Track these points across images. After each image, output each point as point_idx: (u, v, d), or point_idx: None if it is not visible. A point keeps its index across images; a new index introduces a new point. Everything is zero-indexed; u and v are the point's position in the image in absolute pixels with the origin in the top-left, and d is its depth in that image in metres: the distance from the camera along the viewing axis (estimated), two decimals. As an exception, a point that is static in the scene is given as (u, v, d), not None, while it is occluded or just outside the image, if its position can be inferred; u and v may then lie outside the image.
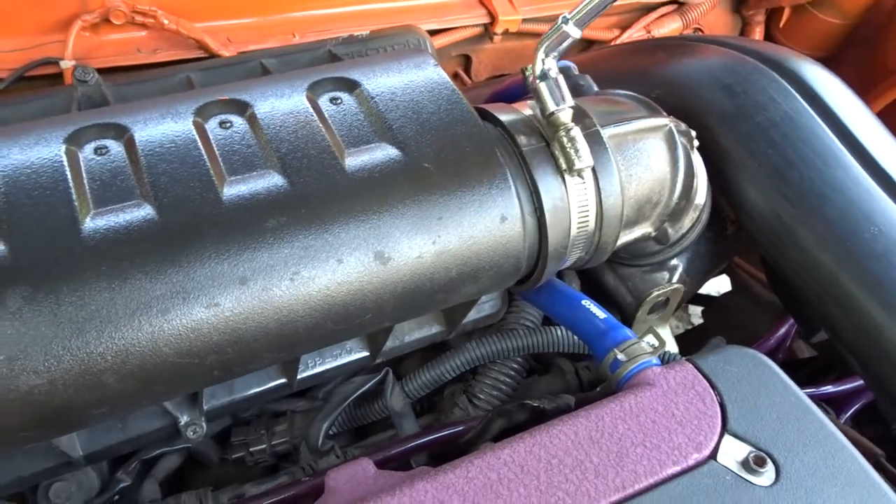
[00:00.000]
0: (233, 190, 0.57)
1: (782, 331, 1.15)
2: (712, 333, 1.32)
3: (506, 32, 1.20)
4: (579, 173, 0.62)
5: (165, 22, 0.93)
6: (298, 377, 0.72)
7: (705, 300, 1.52)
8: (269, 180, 0.58)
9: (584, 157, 0.61)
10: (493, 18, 1.18)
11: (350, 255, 0.57)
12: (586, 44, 1.37)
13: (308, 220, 0.56)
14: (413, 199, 0.59)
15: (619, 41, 1.35)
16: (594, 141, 0.64)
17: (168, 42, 0.95)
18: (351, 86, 0.67)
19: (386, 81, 0.67)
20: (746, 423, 0.61)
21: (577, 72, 0.82)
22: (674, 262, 0.89)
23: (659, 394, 0.63)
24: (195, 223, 0.54)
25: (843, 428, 0.90)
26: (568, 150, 0.61)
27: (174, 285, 0.52)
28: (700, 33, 1.53)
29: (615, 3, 1.35)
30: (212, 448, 0.78)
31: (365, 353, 0.75)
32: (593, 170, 0.63)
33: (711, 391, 0.63)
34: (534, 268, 0.68)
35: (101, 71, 0.90)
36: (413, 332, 0.76)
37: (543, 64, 0.61)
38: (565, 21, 0.58)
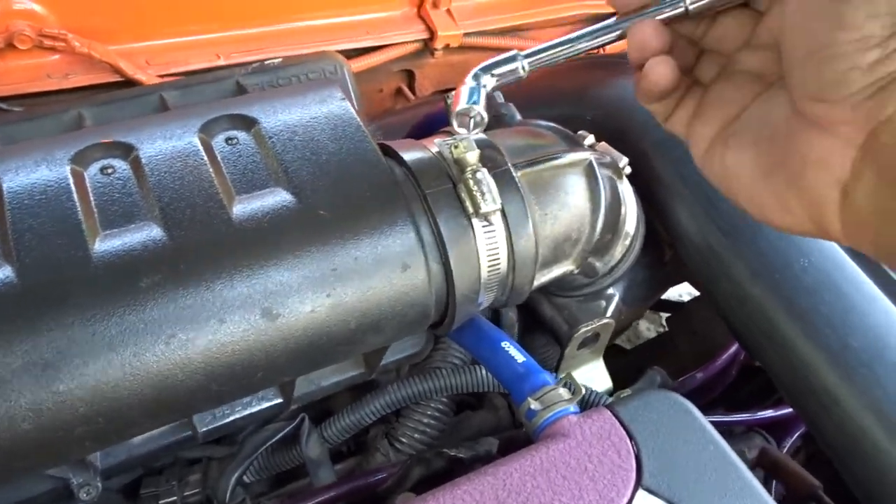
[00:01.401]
0: (105, 246, 0.53)
1: (733, 349, 1.13)
2: (676, 340, 1.30)
3: (447, 47, 1.17)
4: (486, 217, 0.59)
5: (77, 45, 0.89)
6: (205, 429, 0.68)
7: (671, 306, 1.50)
8: (147, 234, 0.54)
9: (490, 200, 0.58)
10: (433, 34, 1.14)
11: (233, 313, 0.53)
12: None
13: (186, 278, 0.52)
14: (305, 250, 0.55)
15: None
16: (504, 181, 0.61)
17: (81, 66, 0.91)
18: (248, 124, 0.63)
19: (286, 118, 0.64)
20: (662, 477, 0.59)
21: (501, 99, 0.79)
22: (610, 290, 0.86)
23: (573, 445, 0.60)
24: (58, 285, 0.50)
25: (781, 458, 0.88)
26: (474, 192, 0.58)
27: (32, 355, 0.48)
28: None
29: (567, 15, 1.32)
30: (118, 503, 0.74)
31: (278, 400, 0.71)
32: (503, 211, 0.60)
33: (628, 441, 0.61)
34: (445, 312, 0.64)
35: (10, 98, 0.85)
36: (330, 377, 0.73)
37: (469, 84, 0.54)
38: (516, 58, 0.52)
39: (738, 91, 0.47)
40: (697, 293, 1.43)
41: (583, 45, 0.51)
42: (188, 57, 0.96)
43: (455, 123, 0.52)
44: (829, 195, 0.40)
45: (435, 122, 0.87)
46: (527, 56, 0.52)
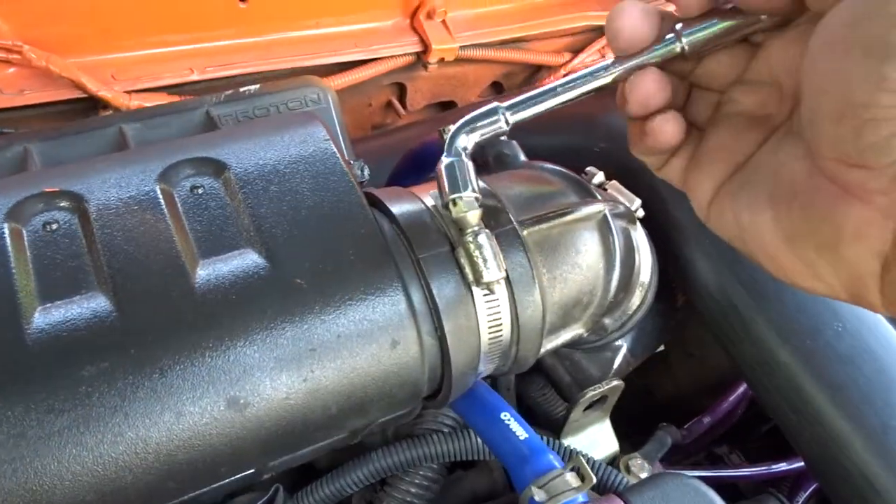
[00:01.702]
0: (44, 321, 0.45)
1: (741, 389, 1.07)
2: (672, 361, 1.23)
3: (441, 62, 1.08)
4: (488, 286, 0.51)
5: (33, 58, 0.80)
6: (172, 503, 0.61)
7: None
8: (94, 307, 0.46)
9: (493, 268, 0.50)
10: (427, 47, 1.06)
11: (194, 405, 0.45)
12: (535, 68, 1.25)
13: (138, 364, 0.44)
14: (278, 327, 0.48)
15: (570, 66, 1.24)
16: (509, 242, 0.53)
17: (38, 81, 0.82)
18: (218, 169, 0.55)
19: (261, 162, 0.56)
20: (683, 583, 0.52)
21: (504, 137, 0.71)
22: (618, 342, 0.79)
23: (583, 543, 0.53)
24: (-16, 374, 0.42)
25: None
26: (475, 259, 0.50)
27: (-53, 464, 0.40)
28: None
29: (567, 27, 1.24)
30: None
31: (250, 471, 0.63)
32: (508, 278, 0.53)
33: (644, 538, 0.54)
34: (439, 386, 0.57)
35: (-43, 116, 0.77)
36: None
37: (464, 142, 0.49)
38: (497, 112, 0.47)
39: (738, 137, 0.42)
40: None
41: (570, 94, 0.46)
42: (158, 70, 0.87)
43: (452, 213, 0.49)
44: (868, 267, 0.35)
45: (430, 153, 0.79)
46: (509, 108, 0.47)
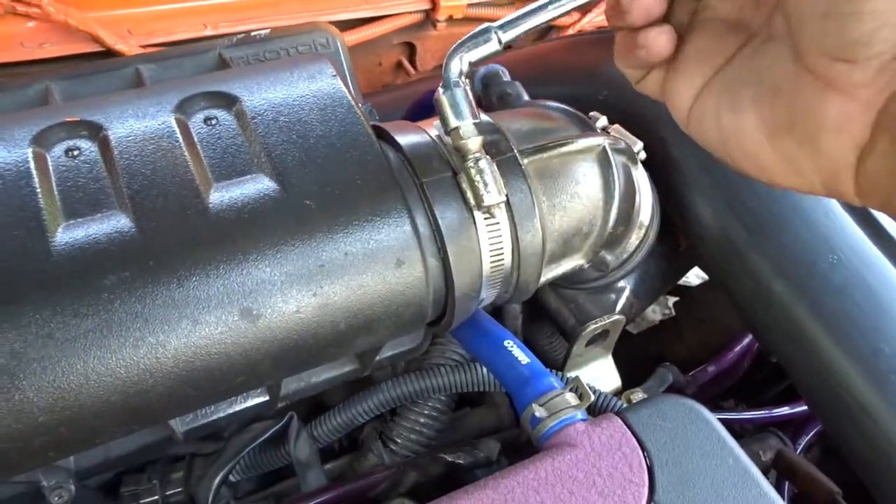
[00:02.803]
0: (67, 237, 0.48)
1: (746, 341, 1.09)
2: (683, 328, 1.25)
3: (450, 19, 1.10)
4: (489, 210, 0.53)
5: (52, 11, 0.83)
6: (186, 428, 0.64)
7: (677, 290, 1.46)
8: (115, 224, 0.49)
9: (493, 192, 0.52)
10: (435, 4, 1.07)
11: (209, 314, 0.48)
12: (544, 29, 1.26)
13: (156, 275, 0.47)
14: (288, 244, 0.50)
15: (578, 26, 1.25)
16: (510, 169, 0.55)
17: (57, 35, 0.85)
18: (229, 102, 0.57)
19: (271, 96, 0.58)
20: (677, 492, 0.54)
21: (507, 77, 0.73)
22: (621, 283, 0.81)
23: (580, 457, 0.56)
24: (14, 281, 0.45)
25: (798, 461, 0.84)
26: (476, 183, 0.53)
27: (-19, 361, 0.43)
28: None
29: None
30: (96, 502, 0.70)
31: (264, 398, 0.66)
32: (508, 203, 0.55)
33: (640, 452, 0.56)
34: (443, 310, 0.59)
35: (-20, 68, 0.80)
36: (320, 373, 0.68)
37: (458, 68, 0.51)
38: (489, 31, 0.49)
39: (717, 42, 0.43)
40: (706, 277, 1.39)
41: (559, 10, 0.47)
42: (173, 26, 0.90)
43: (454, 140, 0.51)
44: (845, 159, 0.37)
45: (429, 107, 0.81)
46: (500, 27, 0.49)
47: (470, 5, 1.10)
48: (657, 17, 0.43)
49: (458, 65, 0.50)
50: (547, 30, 1.26)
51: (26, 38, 0.83)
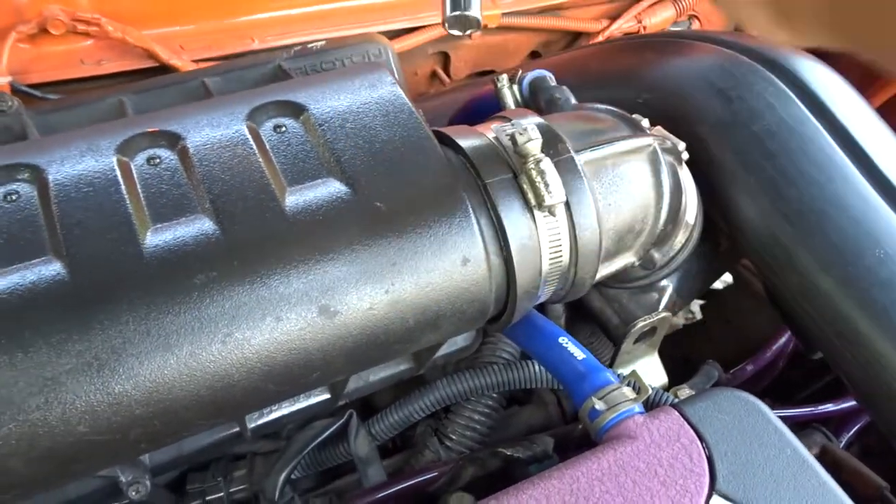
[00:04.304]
0: (157, 239, 0.51)
1: (782, 340, 1.10)
2: (710, 330, 1.26)
3: (485, 28, 1.13)
4: (550, 210, 0.56)
5: (110, 30, 0.86)
6: (253, 425, 0.66)
7: (705, 293, 1.46)
8: (199, 227, 0.52)
9: (555, 192, 0.54)
10: (471, 14, 1.10)
11: (290, 311, 0.50)
12: (573, 36, 1.29)
13: (241, 274, 0.50)
14: (362, 244, 0.53)
15: (607, 32, 1.27)
16: (567, 169, 0.58)
17: (114, 52, 0.88)
18: (296, 111, 0.60)
19: (336, 104, 0.61)
20: (737, 482, 0.56)
21: (553, 82, 0.75)
22: (663, 282, 0.83)
23: (641, 448, 0.57)
24: (110, 282, 0.48)
25: (844, 456, 0.85)
26: (537, 184, 0.55)
27: (85, 356, 0.46)
28: (695, 20, 1.45)
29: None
30: (166, 499, 0.73)
31: (326, 396, 0.69)
32: (567, 203, 0.57)
33: (699, 443, 0.58)
34: (503, 308, 0.61)
35: (43, 85, 0.83)
36: (378, 372, 0.70)
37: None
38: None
39: None
40: (730, 281, 1.40)
41: None
42: (223, 41, 0.93)
43: (448, 27, 0.51)
44: None
45: (482, 107, 0.83)
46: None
47: (504, 14, 1.12)
48: None
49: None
50: (576, 37, 1.29)
51: (86, 55, 0.87)
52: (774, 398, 1.15)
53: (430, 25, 1.10)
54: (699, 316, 1.43)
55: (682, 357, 1.28)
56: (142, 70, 0.89)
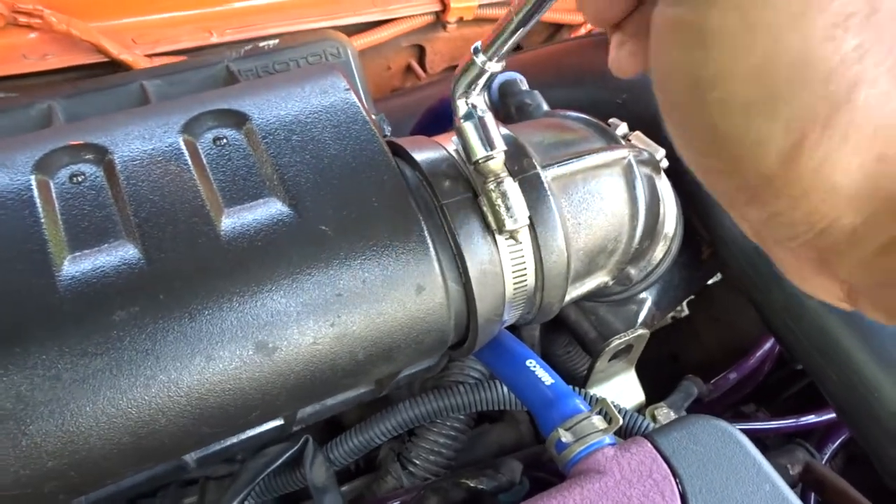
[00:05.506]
0: (74, 270, 0.46)
1: (767, 346, 1.06)
2: (697, 326, 1.22)
3: (460, 20, 1.07)
4: (512, 234, 0.51)
5: (54, 21, 0.80)
6: (200, 455, 0.62)
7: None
8: (122, 255, 0.47)
9: (517, 216, 0.50)
10: (445, 6, 1.04)
11: (223, 349, 0.46)
12: (554, 28, 1.23)
13: (167, 309, 0.45)
14: (304, 273, 0.48)
15: (589, 24, 1.21)
16: (532, 186, 0.53)
17: (60, 46, 0.82)
18: (239, 121, 0.55)
19: (282, 113, 0.56)
20: (712, 523, 0.52)
21: (525, 86, 0.70)
22: (642, 294, 0.78)
23: (610, 485, 0.53)
24: (18, 319, 0.43)
25: (828, 475, 0.81)
26: (497, 207, 0.50)
27: (-13, 406, 0.41)
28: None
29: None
30: (109, 530, 0.69)
31: (279, 422, 0.64)
32: (531, 224, 0.52)
33: (672, 480, 0.54)
34: (465, 333, 0.57)
35: (-18, 82, 0.78)
36: (337, 395, 0.66)
37: (466, 105, 0.49)
38: (476, 52, 0.46)
39: None
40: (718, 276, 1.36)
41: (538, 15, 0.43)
42: (178, 34, 0.87)
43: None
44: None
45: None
46: (487, 54, 0.46)
47: (481, 6, 1.07)
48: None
49: (465, 106, 0.48)
50: (557, 30, 1.23)
51: (28, 49, 0.81)
52: (758, 401, 1.12)
53: (403, 17, 1.04)
54: (686, 311, 1.39)
55: (669, 354, 1.25)
56: (90, 65, 0.83)
